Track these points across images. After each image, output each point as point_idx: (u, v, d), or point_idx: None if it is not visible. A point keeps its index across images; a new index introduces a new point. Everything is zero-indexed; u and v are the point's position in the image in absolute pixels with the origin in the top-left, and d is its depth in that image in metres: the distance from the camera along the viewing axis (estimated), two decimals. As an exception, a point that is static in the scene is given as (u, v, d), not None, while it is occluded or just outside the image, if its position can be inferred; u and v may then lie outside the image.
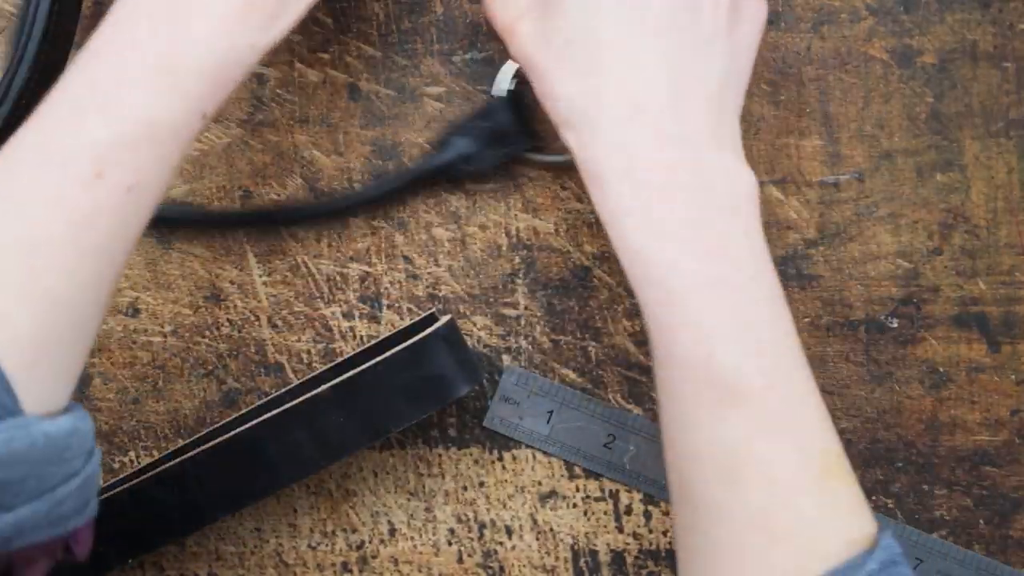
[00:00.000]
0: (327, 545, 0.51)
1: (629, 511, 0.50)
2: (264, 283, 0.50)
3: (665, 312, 0.37)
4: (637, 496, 0.50)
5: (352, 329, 0.50)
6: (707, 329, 0.37)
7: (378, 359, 0.44)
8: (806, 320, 0.49)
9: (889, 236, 0.49)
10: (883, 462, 0.49)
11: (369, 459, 0.50)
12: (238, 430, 0.44)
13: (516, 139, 0.48)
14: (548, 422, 0.49)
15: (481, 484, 0.50)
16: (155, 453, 0.51)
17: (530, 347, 0.50)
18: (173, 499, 0.45)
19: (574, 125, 0.39)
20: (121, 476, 0.50)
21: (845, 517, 0.36)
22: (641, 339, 0.49)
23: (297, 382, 0.50)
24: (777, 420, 0.36)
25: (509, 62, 0.48)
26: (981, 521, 0.49)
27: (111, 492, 0.45)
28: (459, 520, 0.50)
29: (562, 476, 0.50)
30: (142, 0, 0.37)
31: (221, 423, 0.50)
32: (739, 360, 0.36)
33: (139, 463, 0.51)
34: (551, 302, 0.50)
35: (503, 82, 0.48)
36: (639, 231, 0.38)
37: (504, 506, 0.50)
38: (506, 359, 0.50)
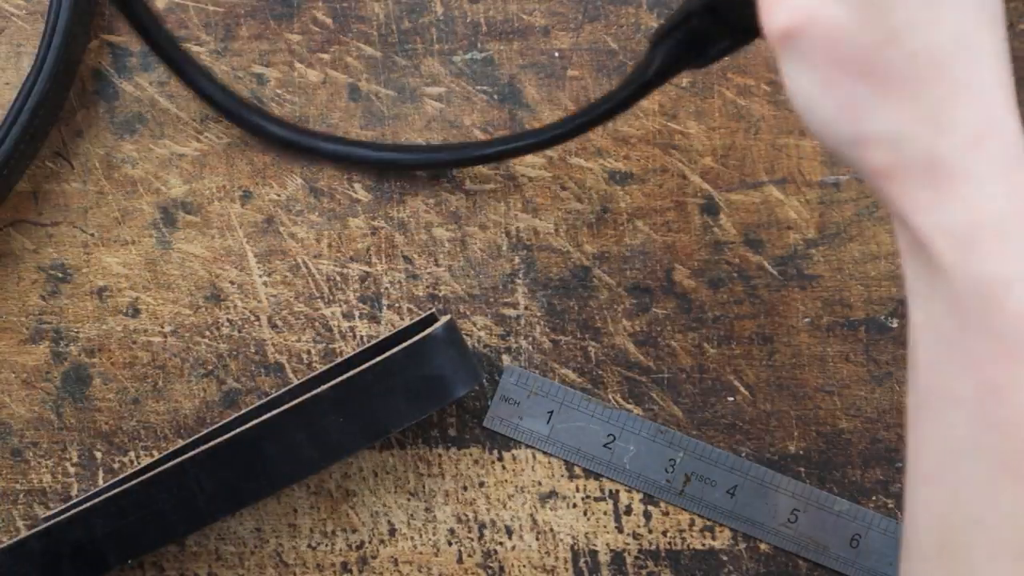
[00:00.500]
0: (327, 545, 0.51)
1: (629, 511, 0.50)
2: (264, 283, 0.50)
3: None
4: (637, 496, 0.50)
5: (352, 329, 0.50)
6: None
7: (377, 359, 0.44)
8: (806, 320, 0.49)
9: (889, 236, 0.49)
10: (883, 462, 0.49)
11: (369, 459, 0.50)
12: (238, 430, 0.44)
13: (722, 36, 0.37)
14: (548, 422, 0.49)
15: (481, 484, 0.50)
16: (155, 453, 0.51)
17: (530, 347, 0.50)
18: (172, 499, 0.45)
19: (913, 175, 0.29)
20: (121, 476, 0.50)
21: None
22: (641, 339, 0.49)
23: (297, 382, 0.50)
24: None
25: None
26: (981, 521, 0.49)
27: (111, 492, 0.45)
28: (459, 520, 0.50)
29: (562, 476, 0.50)
30: None
31: (221, 423, 0.50)
32: None
33: (139, 463, 0.51)
34: (551, 302, 0.50)
35: None
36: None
37: (504, 506, 0.50)
38: (506, 359, 0.50)
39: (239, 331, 0.50)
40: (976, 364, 0.29)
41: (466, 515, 0.50)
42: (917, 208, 0.29)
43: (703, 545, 0.50)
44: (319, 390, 0.44)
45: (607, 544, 0.50)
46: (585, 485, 0.50)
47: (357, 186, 0.50)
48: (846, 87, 0.30)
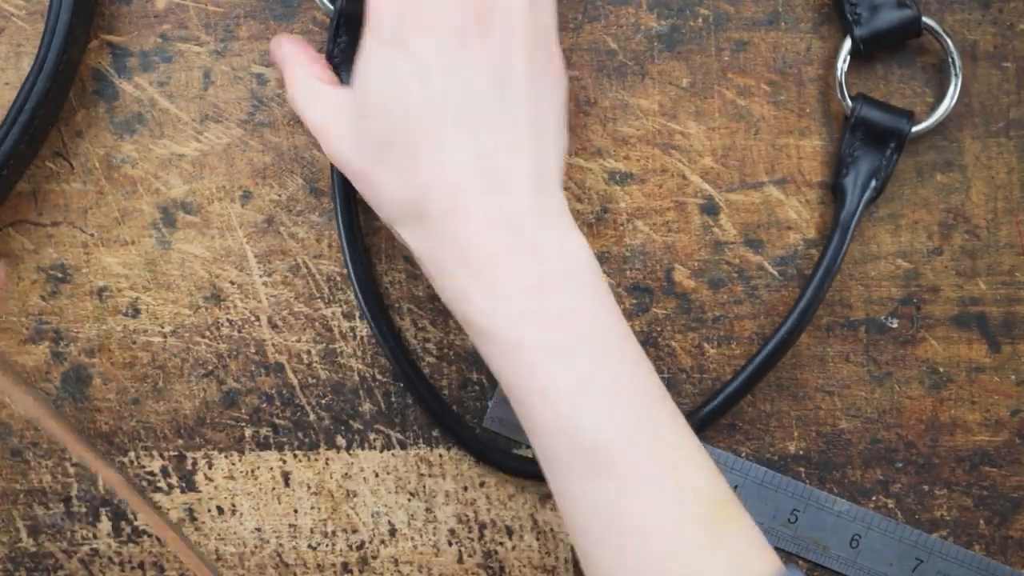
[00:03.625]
0: (327, 545, 0.51)
1: (629, 511, 0.50)
2: (264, 283, 0.50)
3: (517, 382, 0.38)
4: (637, 496, 0.50)
5: (352, 329, 0.50)
6: (560, 395, 0.37)
7: None
8: (806, 320, 0.49)
9: (889, 236, 0.49)
10: (883, 462, 0.49)
11: (370, 459, 0.50)
12: None
13: None
14: (548, 422, 0.49)
15: (482, 484, 0.50)
16: (155, 453, 0.51)
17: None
18: None
19: (407, 223, 0.40)
20: None
21: (741, 561, 0.36)
22: (641, 339, 0.49)
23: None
24: (651, 480, 0.36)
25: None
26: (981, 521, 0.49)
27: None
28: (460, 520, 0.50)
29: (562, 476, 0.50)
30: None
31: None
32: (598, 423, 0.36)
33: (139, 464, 0.51)
34: (551, 302, 0.49)
35: None
36: (481, 312, 0.38)
37: (504, 506, 0.50)
38: (506, 359, 0.50)
39: (239, 331, 0.50)
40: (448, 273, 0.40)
41: (466, 515, 0.50)
42: (415, 241, 0.41)
43: (703, 545, 0.50)
44: None
45: (607, 544, 0.50)
46: (585, 485, 0.50)
47: (357, 186, 0.50)
48: (362, 171, 0.41)
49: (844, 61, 0.47)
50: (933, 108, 0.47)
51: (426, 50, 0.39)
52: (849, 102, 0.47)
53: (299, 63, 0.44)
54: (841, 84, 0.47)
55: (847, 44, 0.47)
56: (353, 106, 0.41)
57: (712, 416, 0.47)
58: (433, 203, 0.39)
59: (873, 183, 0.47)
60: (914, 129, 0.46)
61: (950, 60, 0.47)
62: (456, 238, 0.39)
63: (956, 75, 0.47)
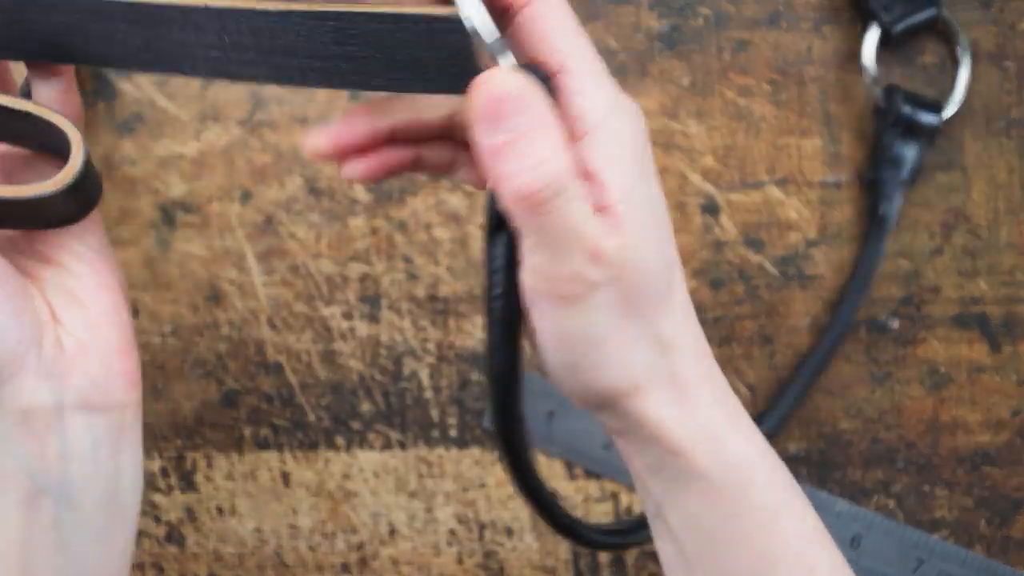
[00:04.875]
0: (327, 546, 0.51)
1: (629, 512, 0.50)
2: (264, 283, 0.50)
3: (769, 539, 0.33)
4: (637, 497, 0.50)
5: (352, 329, 0.50)
6: (810, 553, 0.33)
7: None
8: (807, 320, 0.49)
9: (890, 236, 0.49)
10: (884, 462, 0.49)
11: (369, 459, 0.50)
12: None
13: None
14: (548, 423, 0.49)
15: (482, 485, 0.50)
16: (155, 454, 0.51)
17: (530, 348, 0.49)
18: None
19: (655, 391, 0.32)
20: None
21: None
22: (642, 339, 0.49)
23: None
24: None
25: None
26: (982, 521, 0.49)
27: None
28: (459, 521, 0.50)
29: (562, 476, 0.50)
30: None
31: None
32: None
33: (138, 464, 0.51)
34: (551, 302, 0.49)
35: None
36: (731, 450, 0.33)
37: (504, 506, 0.50)
38: (506, 359, 0.50)
39: (239, 331, 0.50)
40: (747, 538, 0.32)
41: (466, 516, 0.50)
42: (669, 421, 0.32)
43: (703, 545, 0.50)
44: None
45: (607, 544, 0.50)
46: (585, 486, 0.50)
47: (357, 186, 0.50)
48: (617, 327, 0.31)
49: (872, 50, 0.47)
50: (946, 101, 0.47)
51: (654, 175, 0.33)
52: (879, 93, 0.47)
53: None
54: (870, 73, 0.47)
55: (874, 33, 0.47)
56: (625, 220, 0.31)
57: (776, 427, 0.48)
58: (680, 370, 0.32)
59: (908, 175, 0.47)
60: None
61: (960, 51, 0.47)
62: (704, 408, 0.33)
63: (965, 66, 0.47)
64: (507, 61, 0.29)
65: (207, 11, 0.31)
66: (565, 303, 0.31)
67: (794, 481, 0.34)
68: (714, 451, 0.32)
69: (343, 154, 0.34)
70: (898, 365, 0.49)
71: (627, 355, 0.31)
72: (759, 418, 0.48)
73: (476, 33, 0.28)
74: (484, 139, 0.29)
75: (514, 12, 0.31)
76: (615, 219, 0.30)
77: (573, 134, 0.30)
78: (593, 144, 0.30)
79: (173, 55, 0.33)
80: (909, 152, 0.47)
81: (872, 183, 0.48)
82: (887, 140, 0.47)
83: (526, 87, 0.29)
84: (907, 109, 0.46)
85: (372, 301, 0.50)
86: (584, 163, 0.30)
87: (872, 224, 0.47)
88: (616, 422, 0.33)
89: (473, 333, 0.50)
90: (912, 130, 0.47)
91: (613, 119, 0.31)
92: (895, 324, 0.49)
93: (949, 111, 0.47)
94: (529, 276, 0.31)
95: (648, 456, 0.33)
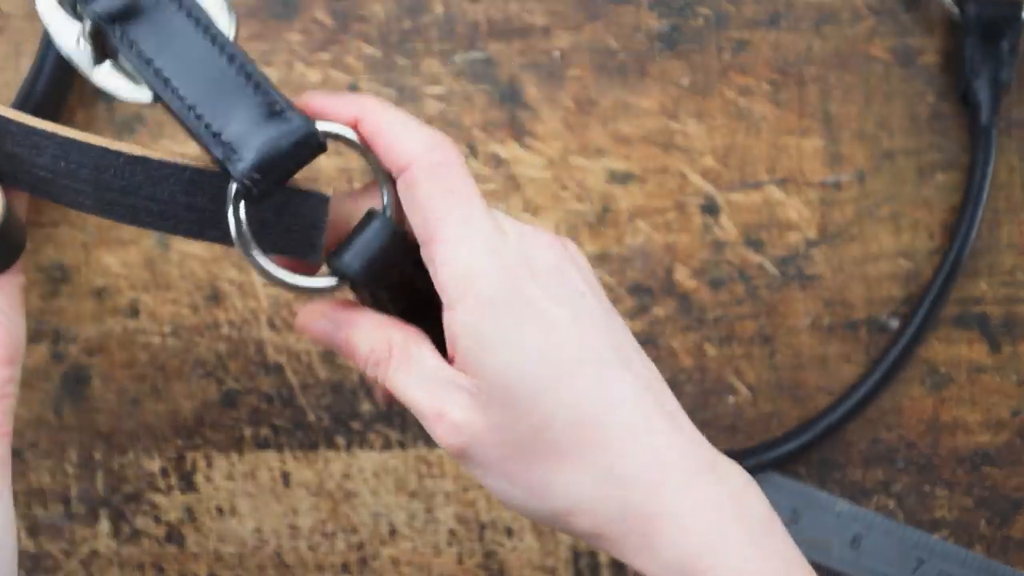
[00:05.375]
0: (327, 546, 0.51)
1: (630, 512, 0.50)
2: (264, 283, 0.50)
3: None
4: (638, 497, 0.50)
5: (352, 329, 0.50)
6: None
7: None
8: (807, 320, 0.49)
9: (890, 236, 0.49)
10: (884, 462, 0.49)
11: (369, 459, 0.50)
12: None
13: None
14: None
15: (481, 485, 0.50)
16: (154, 454, 0.51)
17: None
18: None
19: (612, 532, 0.32)
20: None
21: None
22: (641, 339, 0.49)
23: None
24: None
25: None
26: (982, 522, 0.49)
27: None
28: (459, 521, 0.50)
29: (562, 477, 0.50)
30: None
31: None
32: None
33: (139, 464, 0.51)
34: (551, 302, 0.49)
35: None
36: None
37: (504, 506, 0.50)
38: (506, 359, 0.50)
39: (239, 331, 0.50)
40: None
41: (466, 516, 0.50)
42: (636, 558, 0.31)
43: (704, 545, 0.50)
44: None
45: (607, 544, 0.50)
46: (585, 485, 0.50)
47: (357, 185, 0.50)
48: (524, 477, 0.32)
49: None
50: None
51: (550, 302, 0.32)
52: (954, 6, 0.47)
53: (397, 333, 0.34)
54: None
55: None
56: (481, 390, 0.32)
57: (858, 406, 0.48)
58: (637, 484, 0.31)
59: (1001, 78, 0.47)
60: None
61: None
62: (674, 537, 0.31)
63: None
64: (299, 281, 0.33)
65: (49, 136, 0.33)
66: (459, 459, 0.33)
67: None
68: None
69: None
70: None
71: (544, 493, 0.32)
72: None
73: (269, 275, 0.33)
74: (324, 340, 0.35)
75: (395, 177, 0.32)
76: (480, 381, 0.31)
77: (443, 301, 0.32)
78: (453, 315, 0.32)
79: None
80: (992, 56, 0.47)
81: (965, 98, 0.47)
82: (969, 51, 0.47)
83: (325, 319, 0.35)
84: (985, 10, 0.46)
85: (372, 301, 0.50)
86: (451, 332, 0.32)
87: (977, 138, 0.47)
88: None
89: (473, 333, 0.50)
90: (991, 31, 0.46)
91: (472, 288, 0.32)
92: (895, 324, 0.49)
93: None
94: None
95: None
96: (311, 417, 0.50)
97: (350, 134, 0.33)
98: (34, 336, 0.50)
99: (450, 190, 0.32)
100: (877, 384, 0.47)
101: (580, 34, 0.49)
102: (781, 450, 0.48)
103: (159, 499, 0.51)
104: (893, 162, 0.49)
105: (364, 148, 0.33)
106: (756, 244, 0.49)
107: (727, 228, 0.49)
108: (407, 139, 0.32)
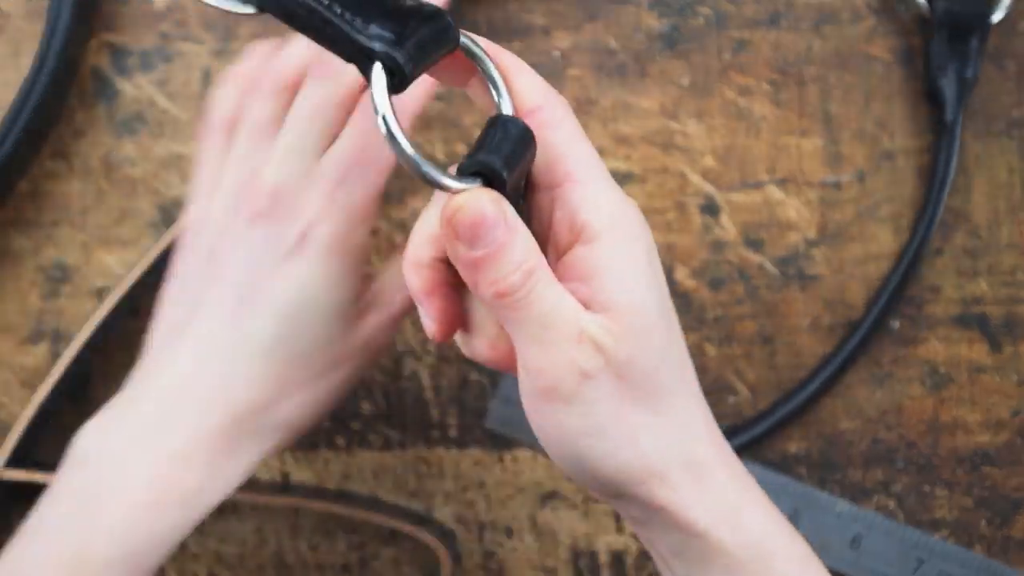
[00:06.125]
0: (327, 546, 0.51)
1: (629, 512, 0.50)
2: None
3: None
4: (637, 497, 0.50)
5: (352, 329, 0.50)
6: None
7: None
8: (807, 320, 0.49)
9: (890, 236, 0.49)
10: (884, 462, 0.49)
11: (369, 459, 0.50)
12: None
13: None
14: (548, 422, 0.49)
15: (481, 485, 0.50)
16: (155, 453, 0.51)
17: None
18: None
19: (674, 476, 0.32)
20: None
21: None
22: (641, 339, 0.49)
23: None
24: None
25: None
26: (982, 522, 0.49)
27: None
28: (459, 521, 0.50)
29: (562, 476, 0.50)
30: (60, 494, 0.38)
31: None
32: None
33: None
34: (551, 302, 0.49)
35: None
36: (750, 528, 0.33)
37: (504, 507, 0.50)
38: (506, 359, 0.50)
39: (239, 331, 0.50)
40: None
41: (466, 516, 0.50)
42: (689, 504, 0.32)
43: (703, 545, 0.50)
44: None
45: (607, 545, 0.50)
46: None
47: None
48: (625, 417, 0.32)
49: None
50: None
51: (659, 262, 0.34)
52: (925, 3, 0.47)
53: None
54: None
55: None
56: (609, 323, 0.31)
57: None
58: (697, 452, 0.33)
59: (968, 76, 0.47)
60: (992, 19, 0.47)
61: None
62: (722, 487, 0.33)
63: None
64: (449, 180, 0.30)
65: None
66: (562, 399, 0.31)
67: (810, 550, 0.34)
68: (734, 528, 0.33)
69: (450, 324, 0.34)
70: (898, 365, 0.49)
71: (635, 444, 0.32)
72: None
73: (412, 161, 0.30)
74: (461, 254, 0.30)
75: (524, 114, 0.32)
76: (613, 313, 0.31)
77: (579, 239, 0.32)
78: (596, 248, 0.31)
79: None
80: (959, 53, 0.47)
81: (931, 94, 0.48)
82: (936, 47, 0.47)
83: (495, 206, 0.30)
84: (953, 7, 0.46)
85: (372, 301, 0.50)
86: (587, 266, 0.31)
87: (941, 135, 0.47)
88: (635, 511, 0.33)
89: (473, 333, 0.50)
90: (960, 28, 0.47)
91: (617, 225, 0.32)
92: (895, 324, 0.49)
93: (997, 16, 0.47)
94: (524, 376, 0.32)
95: (670, 539, 0.33)
96: (311, 417, 0.50)
97: (480, 48, 0.32)
98: (34, 336, 0.50)
99: (580, 134, 0.32)
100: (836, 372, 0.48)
101: (580, 34, 0.49)
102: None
103: (159, 499, 0.51)
104: (893, 162, 0.49)
105: (488, 61, 0.32)
106: (756, 244, 0.49)
107: (727, 228, 0.49)
108: (535, 79, 0.32)
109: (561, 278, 0.31)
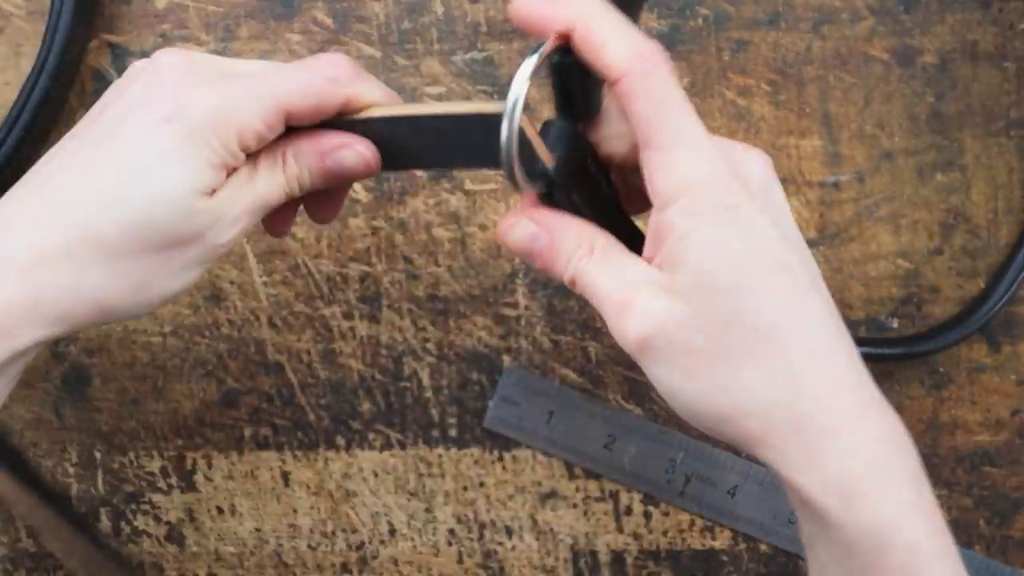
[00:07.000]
0: (327, 545, 0.51)
1: (629, 511, 0.50)
2: (264, 283, 0.50)
3: None
4: (637, 496, 0.50)
5: (352, 329, 0.50)
6: None
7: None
8: (806, 320, 0.49)
9: (889, 236, 0.49)
10: (884, 462, 0.49)
11: (369, 459, 0.50)
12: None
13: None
14: (548, 422, 0.49)
15: (481, 484, 0.50)
16: (155, 454, 0.51)
17: (530, 347, 0.50)
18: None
19: (778, 438, 0.32)
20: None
21: None
22: (641, 339, 0.49)
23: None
24: None
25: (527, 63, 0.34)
26: (982, 521, 0.49)
27: None
28: (459, 520, 0.50)
29: (562, 476, 0.50)
30: None
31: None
32: None
33: (139, 464, 0.51)
34: (551, 302, 0.49)
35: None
36: (876, 510, 0.32)
37: (504, 506, 0.50)
38: (506, 359, 0.50)
39: (239, 331, 0.50)
40: None
41: (466, 515, 0.50)
42: (796, 470, 0.32)
43: (703, 545, 0.50)
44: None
45: (607, 544, 0.50)
46: (585, 485, 0.50)
47: (357, 186, 0.50)
48: (705, 374, 0.32)
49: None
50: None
51: (756, 212, 0.33)
52: None
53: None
54: None
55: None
56: (679, 284, 0.32)
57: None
58: (817, 401, 0.32)
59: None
60: None
61: None
62: (839, 457, 0.32)
63: None
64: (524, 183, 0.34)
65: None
66: (643, 357, 0.33)
67: (955, 549, 0.32)
68: (847, 505, 0.31)
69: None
70: (898, 365, 0.49)
71: (716, 401, 0.32)
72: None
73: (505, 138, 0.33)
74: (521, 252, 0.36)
75: (610, 85, 0.33)
76: (680, 274, 0.32)
77: (655, 205, 0.33)
78: (667, 214, 0.33)
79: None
80: None
81: None
82: None
83: (530, 228, 0.35)
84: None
85: (372, 301, 0.50)
86: (658, 230, 0.33)
87: None
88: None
89: (473, 333, 0.50)
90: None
91: (688, 191, 0.33)
92: (895, 324, 0.49)
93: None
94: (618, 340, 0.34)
95: (792, 499, 0.33)
96: (311, 417, 0.50)
97: (557, 58, 0.34)
98: (34, 336, 0.50)
99: (664, 98, 0.33)
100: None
101: (580, 34, 0.49)
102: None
103: (159, 499, 0.51)
104: (893, 162, 0.49)
105: (575, 64, 0.34)
106: (756, 244, 0.49)
107: (727, 228, 0.49)
108: (621, 47, 0.33)
109: (649, 239, 0.34)
